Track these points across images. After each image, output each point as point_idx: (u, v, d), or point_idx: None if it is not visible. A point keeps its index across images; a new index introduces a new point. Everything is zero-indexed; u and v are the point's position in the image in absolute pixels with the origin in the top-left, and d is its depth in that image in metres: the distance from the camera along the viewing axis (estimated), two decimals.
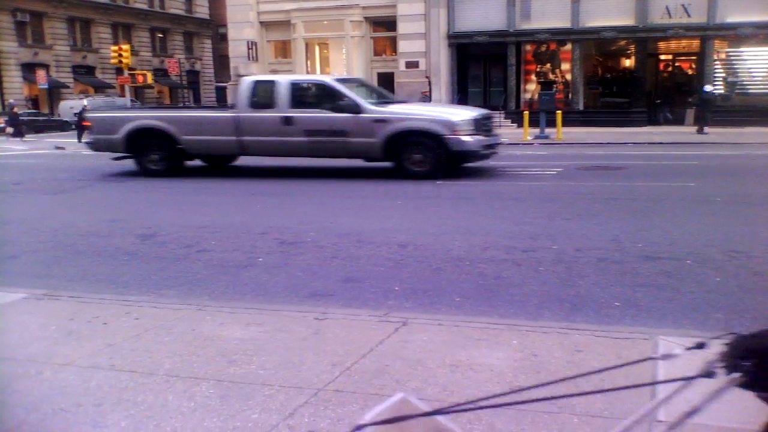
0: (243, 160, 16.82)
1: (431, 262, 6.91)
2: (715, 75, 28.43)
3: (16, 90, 46.80)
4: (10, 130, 33.82)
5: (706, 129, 23.89)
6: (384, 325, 4.67)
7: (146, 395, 3.64)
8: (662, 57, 30.12)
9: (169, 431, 3.25)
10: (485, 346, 4.24)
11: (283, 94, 14.07)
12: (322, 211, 10.24)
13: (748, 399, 1.30)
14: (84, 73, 52.27)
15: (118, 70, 46.47)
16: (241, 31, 33.18)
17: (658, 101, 29.41)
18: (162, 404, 3.53)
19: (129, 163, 15.76)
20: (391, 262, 6.96)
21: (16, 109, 35.45)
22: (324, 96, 14.16)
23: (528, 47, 30.42)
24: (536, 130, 23.81)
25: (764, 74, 28.38)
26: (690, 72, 29.61)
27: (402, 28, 30.63)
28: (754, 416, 1.46)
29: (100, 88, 51.52)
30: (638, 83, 28.96)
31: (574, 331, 4.48)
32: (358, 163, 14.64)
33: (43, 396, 3.67)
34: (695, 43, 28.77)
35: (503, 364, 3.95)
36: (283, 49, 34.09)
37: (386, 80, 31.97)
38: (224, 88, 38.87)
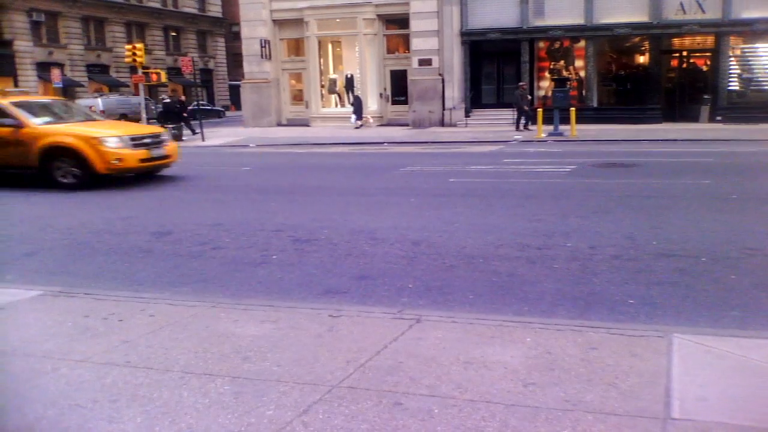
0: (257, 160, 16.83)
1: (445, 259, 6.91)
2: (730, 71, 28.21)
3: (31, 89, 47.10)
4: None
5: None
6: (398, 322, 4.68)
7: (161, 392, 3.67)
8: (676, 54, 29.91)
9: (183, 427, 3.27)
10: (499, 343, 4.24)
11: None
12: (334, 209, 10.26)
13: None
14: (98, 71, 52.56)
15: (132, 69, 46.55)
16: (254, 29, 33.23)
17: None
18: (177, 401, 3.56)
19: None
20: (404, 259, 6.96)
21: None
22: None
23: (541, 44, 30.26)
24: (550, 128, 23.71)
25: None
26: (705, 68, 29.38)
27: (415, 25, 30.58)
28: None
29: (115, 86, 51.76)
30: (652, 80, 28.78)
31: (588, 328, 4.47)
32: (367, 162, 14.59)
33: (60, 391, 3.71)
34: (710, 40, 28.53)
35: (517, 361, 3.94)
36: (296, 47, 34.12)
37: (399, 78, 31.96)
38: (238, 87, 38.95)
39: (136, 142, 13.73)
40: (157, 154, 14.17)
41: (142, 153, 13.65)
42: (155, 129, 15.48)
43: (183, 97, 35.29)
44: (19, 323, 4.99)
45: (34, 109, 14.50)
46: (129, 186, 13.65)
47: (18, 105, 14.00)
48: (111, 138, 13.38)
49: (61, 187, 13.07)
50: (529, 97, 27.19)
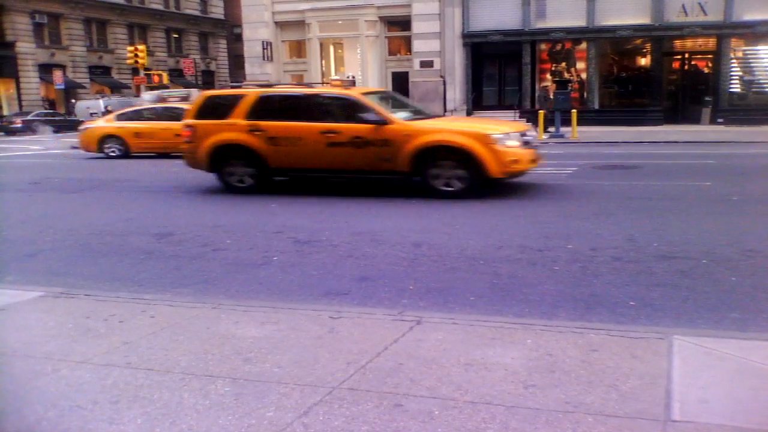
0: None
1: (445, 261, 6.91)
2: (732, 73, 28.23)
3: (33, 90, 47.21)
4: None
5: None
6: (398, 323, 4.68)
7: (162, 393, 3.67)
8: (678, 56, 29.93)
9: (184, 429, 3.27)
10: (499, 345, 4.23)
11: None
12: (335, 210, 10.26)
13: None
14: (100, 73, 52.67)
15: (134, 71, 46.77)
16: (256, 31, 33.30)
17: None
18: (177, 402, 3.56)
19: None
20: (405, 261, 6.96)
21: None
22: None
23: (543, 46, 30.31)
24: (551, 129, 23.73)
25: None
26: (706, 70, 29.39)
27: (416, 27, 30.64)
28: None
29: (116, 88, 51.88)
30: (654, 82, 28.79)
31: (588, 330, 4.46)
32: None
33: (61, 393, 3.71)
34: (711, 42, 28.56)
35: (517, 363, 3.94)
36: (298, 49, 34.20)
37: (401, 80, 31.99)
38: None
39: (524, 139, 11.38)
40: (539, 153, 11.94)
41: (531, 153, 11.33)
42: (525, 125, 12.82)
43: None
44: (19, 324, 4.98)
45: (380, 101, 12.11)
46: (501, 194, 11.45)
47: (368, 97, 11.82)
48: (504, 135, 10.96)
49: (440, 196, 10.86)
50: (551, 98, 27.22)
